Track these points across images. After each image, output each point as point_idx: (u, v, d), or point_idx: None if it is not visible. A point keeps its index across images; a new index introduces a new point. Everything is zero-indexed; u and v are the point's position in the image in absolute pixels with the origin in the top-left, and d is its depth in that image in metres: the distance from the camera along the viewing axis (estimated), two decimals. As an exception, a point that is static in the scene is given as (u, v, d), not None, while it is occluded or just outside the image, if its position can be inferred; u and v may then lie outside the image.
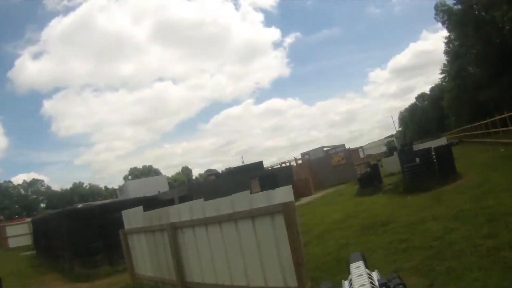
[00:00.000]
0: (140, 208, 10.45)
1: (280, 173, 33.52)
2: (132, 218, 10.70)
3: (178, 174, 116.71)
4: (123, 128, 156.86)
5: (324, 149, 51.17)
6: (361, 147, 56.36)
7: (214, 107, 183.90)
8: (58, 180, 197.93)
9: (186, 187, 28.10)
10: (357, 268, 1.50)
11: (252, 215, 6.63)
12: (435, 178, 16.87)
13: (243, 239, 6.91)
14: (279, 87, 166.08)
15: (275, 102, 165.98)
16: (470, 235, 8.00)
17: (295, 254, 5.93)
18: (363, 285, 1.29)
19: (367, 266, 1.54)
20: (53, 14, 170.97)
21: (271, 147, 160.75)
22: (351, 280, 1.43)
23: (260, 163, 35.86)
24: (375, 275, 1.48)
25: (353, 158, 44.63)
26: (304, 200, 31.03)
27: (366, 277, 1.36)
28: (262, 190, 30.90)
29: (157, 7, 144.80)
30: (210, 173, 50.38)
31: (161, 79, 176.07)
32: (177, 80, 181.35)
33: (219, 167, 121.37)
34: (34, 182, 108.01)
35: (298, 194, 32.58)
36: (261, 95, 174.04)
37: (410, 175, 17.73)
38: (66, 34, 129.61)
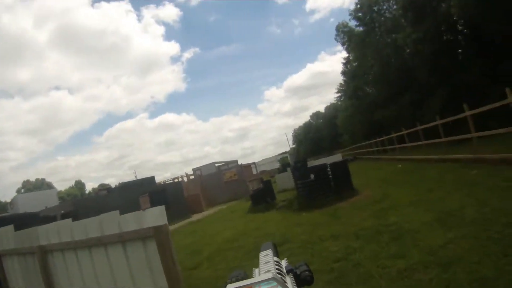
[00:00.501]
0: (11, 227, 9.05)
1: (170, 189, 32.11)
2: (4, 238, 9.25)
3: (71, 188, 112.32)
4: (17, 137, 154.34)
5: (216, 164, 50.07)
6: (254, 163, 55.72)
7: (109, 120, 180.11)
8: None
9: (72, 202, 26.02)
10: (265, 256, 1.62)
11: (122, 239, 5.49)
12: (331, 195, 16.23)
13: (115, 266, 5.72)
14: (174, 102, 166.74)
15: (170, 117, 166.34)
16: (376, 255, 7.09)
17: (171, 283, 4.79)
18: (269, 271, 1.35)
19: (277, 255, 1.71)
20: None
21: (165, 162, 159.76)
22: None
23: (152, 178, 34.27)
24: (283, 262, 1.64)
25: (245, 174, 44.02)
26: (195, 217, 30.04)
27: (272, 264, 1.46)
28: (152, 207, 30.40)
29: (60, 11, 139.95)
30: (102, 187, 48.00)
31: (57, 88, 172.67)
32: (73, 90, 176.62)
33: (113, 181, 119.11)
34: None
35: (189, 211, 31.74)
36: (156, 109, 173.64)
37: (305, 191, 16.98)
38: None
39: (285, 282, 1.29)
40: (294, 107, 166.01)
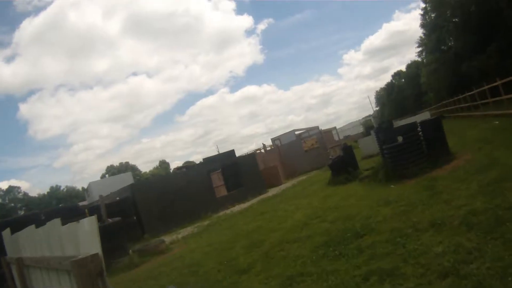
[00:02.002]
0: (7, 231, 7.91)
1: (244, 163, 29.76)
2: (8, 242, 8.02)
3: (155, 168, 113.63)
4: (100, 126, 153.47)
5: (296, 132, 46.77)
6: (335, 128, 52.49)
7: (190, 98, 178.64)
8: (39, 184, 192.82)
9: (129, 187, 24.21)
10: None
11: (50, 266, 4.08)
12: (423, 161, 13.23)
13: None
14: (253, 74, 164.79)
15: (250, 89, 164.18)
16: (508, 268, 4.34)
17: None
18: None
19: None
20: (24, 15, 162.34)
21: (249, 134, 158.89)
22: None
23: (232, 152, 32.18)
24: None
25: (327, 141, 41.25)
26: (272, 191, 27.91)
27: None
28: (226, 184, 28.06)
29: (127, 1, 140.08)
30: (179, 167, 46.46)
31: (135, 74, 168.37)
32: (152, 73, 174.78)
33: (198, 158, 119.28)
34: (11, 189, 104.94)
35: (265, 185, 29.90)
36: (236, 83, 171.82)
37: (392, 158, 13.98)
38: (37, 34, 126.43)
39: None
40: (374, 70, 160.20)
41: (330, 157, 23.78)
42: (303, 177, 31.74)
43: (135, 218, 22.13)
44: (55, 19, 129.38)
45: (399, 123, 22.46)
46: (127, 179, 51.75)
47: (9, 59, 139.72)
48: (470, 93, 33.25)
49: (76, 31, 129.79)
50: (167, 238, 18.13)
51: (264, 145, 45.67)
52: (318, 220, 11.07)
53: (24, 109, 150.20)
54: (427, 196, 9.18)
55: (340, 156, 20.52)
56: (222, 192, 29.49)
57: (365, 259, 6.26)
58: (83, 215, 15.90)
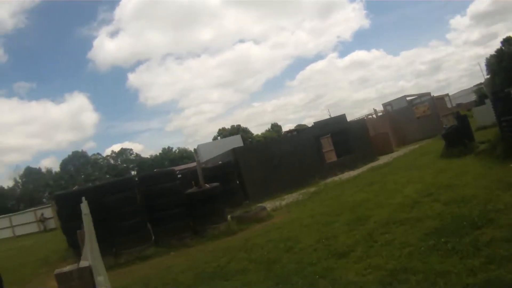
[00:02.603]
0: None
1: (354, 129, 28.68)
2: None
3: (267, 131, 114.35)
4: (210, 91, 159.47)
5: (408, 98, 44.81)
6: (447, 95, 49.66)
7: (299, 64, 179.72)
8: (152, 147, 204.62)
9: (232, 151, 23.78)
10: None
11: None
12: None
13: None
14: (361, 39, 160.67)
15: (359, 54, 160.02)
16: None
17: None
18: None
19: None
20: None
21: (360, 99, 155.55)
22: None
23: (343, 116, 31.19)
24: None
25: (439, 109, 38.97)
26: (382, 159, 26.85)
27: None
28: (336, 149, 27.23)
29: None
30: (289, 130, 45.89)
31: (241, 41, 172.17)
32: (258, 40, 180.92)
33: (310, 121, 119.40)
34: (123, 151, 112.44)
35: (376, 152, 29.10)
36: (344, 48, 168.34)
37: (511, 132, 12.56)
38: (138, 9, 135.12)
39: None
40: (482, 36, 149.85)
41: (444, 126, 22.16)
42: (415, 146, 30.37)
43: (238, 182, 22.08)
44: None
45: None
46: (236, 142, 51.90)
47: (113, 34, 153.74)
48: None
49: (177, 3, 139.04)
50: (269, 205, 17.92)
51: (375, 110, 44.10)
52: (430, 199, 10.13)
53: (133, 78, 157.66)
54: None
55: (455, 126, 19.02)
56: (331, 157, 28.87)
57: (482, 262, 5.36)
58: (175, 180, 15.63)
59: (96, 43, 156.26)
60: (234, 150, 23.45)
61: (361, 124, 30.78)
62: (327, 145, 30.35)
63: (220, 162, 23.73)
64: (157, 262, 12.00)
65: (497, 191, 8.78)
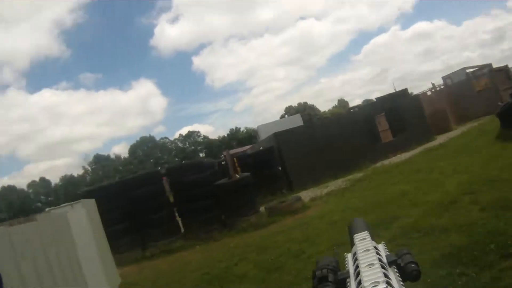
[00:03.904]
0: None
1: (408, 106, 26.81)
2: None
3: (334, 107, 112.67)
4: (276, 69, 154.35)
5: (467, 70, 41.67)
6: (506, 65, 46.19)
7: (362, 38, 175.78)
8: (221, 127, 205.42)
9: (274, 136, 22.61)
10: (363, 241, 1.17)
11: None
12: None
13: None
14: (422, 10, 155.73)
15: (422, 25, 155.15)
16: None
17: None
18: (372, 264, 0.98)
19: (372, 237, 1.19)
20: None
21: (426, 71, 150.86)
22: (355, 254, 1.10)
23: (405, 91, 29.38)
24: (381, 248, 1.14)
25: (500, 82, 36.09)
26: (439, 139, 24.95)
27: (374, 253, 1.05)
28: (391, 128, 25.66)
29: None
30: (351, 107, 44.31)
31: (303, 18, 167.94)
32: (319, 17, 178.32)
33: (377, 95, 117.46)
34: (190, 134, 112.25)
35: (432, 131, 27.16)
36: (406, 20, 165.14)
37: None
38: None
39: (389, 278, 0.91)
40: None
41: (500, 103, 19.95)
42: (474, 123, 28.21)
43: (280, 169, 21.04)
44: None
45: None
46: (296, 121, 50.58)
47: (173, 21, 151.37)
48: None
49: None
50: (310, 193, 17.43)
51: (433, 84, 41.42)
52: (469, 198, 8.76)
53: (198, 61, 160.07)
54: None
55: (510, 104, 16.60)
56: (387, 137, 27.17)
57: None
58: (205, 171, 15.42)
59: (157, 30, 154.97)
60: (276, 135, 22.27)
61: (416, 100, 28.81)
62: (384, 123, 28.59)
63: (261, 148, 22.93)
64: (180, 256, 12.13)
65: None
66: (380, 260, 1.01)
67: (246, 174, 15.06)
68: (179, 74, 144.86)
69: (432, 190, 10.79)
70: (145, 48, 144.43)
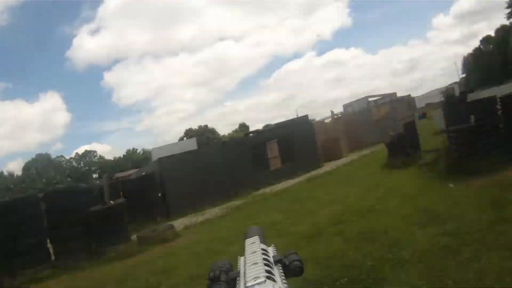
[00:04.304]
0: None
1: (299, 133, 26.63)
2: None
3: (234, 131, 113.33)
4: (185, 90, 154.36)
5: (370, 99, 42.61)
6: (409, 95, 47.96)
7: (276, 62, 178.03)
8: (121, 147, 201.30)
9: (157, 162, 21.96)
10: (252, 244, 1.29)
11: None
12: (501, 153, 9.76)
13: None
14: (341, 38, 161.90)
15: (337, 53, 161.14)
16: None
17: None
18: (256, 263, 1.08)
19: (264, 241, 1.31)
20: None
21: (333, 98, 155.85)
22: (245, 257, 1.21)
23: (305, 117, 29.25)
24: (270, 250, 1.27)
25: (402, 110, 37.01)
26: (327, 167, 25.01)
27: (260, 254, 1.16)
28: (281, 156, 25.34)
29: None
30: (248, 132, 44.17)
31: (222, 39, 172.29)
32: (238, 39, 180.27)
33: (279, 121, 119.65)
34: (86, 153, 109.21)
35: (322, 158, 27.38)
36: (323, 46, 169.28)
37: (458, 144, 10.66)
38: (122, 6, 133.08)
39: (273, 274, 1.02)
40: (463, 35, 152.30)
41: (391, 133, 20.17)
42: (367, 151, 28.58)
43: (159, 195, 20.35)
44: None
45: (481, 94, 18.82)
46: (191, 145, 49.95)
47: (94, 33, 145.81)
48: None
49: (160, 2, 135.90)
50: (188, 221, 17.03)
51: (332, 112, 42.08)
52: (335, 229, 8.55)
53: (108, 77, 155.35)
54: (495, 218, 6.06)
55: (399, 134, 17.11)
56: (276, 164, 26.84)
57: None
58: (80, 197, 14.74)
59: (76, 41, 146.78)
60: (159, 160, 21.45)
61: (309, 128, 28.77)
62: (274, 150, 28.37)
63: (143, 173, 22.37)
64: (45, 286, 11.65)
65: (415, 226, 6.95)
66: (266, 259, 1.10)
67: (120, 200, 14.54)
68: (88, 89, 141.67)
69: (302, 221, 10.62)
70: (60, 59, 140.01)
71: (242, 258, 1.23)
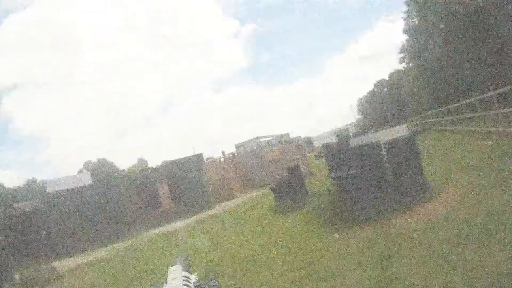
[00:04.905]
0: None
1: (190, 173, 26.22)
2: None
3: (133, 166, 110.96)
4: (86, 122, 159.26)
5: (262, 139, 42.79)
6: (299, 137, 48.89)
7: (178, 99, 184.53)
8: (19, 179, 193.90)
9: (42, 198, 20.77)
10: (174, 271, 1.65)
11: None
12: (386, 199, 9.45)
13: None
14: (241, 75, 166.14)
15: (237, 91, 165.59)
16: None
17: None
18: (176, 287, 1.44)
19: (188, 269, 1.67)
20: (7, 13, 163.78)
21: (234, 136, 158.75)
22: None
23: (200, 156, 28.67)
24: (193, 277, 1.65)
25: (293, 151, 37.39)
26: (219, 208, 24.27)
27: (180, 280, 1.51)
28: (173, 195, 24.52)
29: None
30: (143, 168, 42.89)
31: (123, 72, 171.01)
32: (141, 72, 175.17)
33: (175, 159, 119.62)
34: None
35: (213, 199, 26.79)
36: (221, 84, 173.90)
37: (342, 191, 10.27)
38: (19, 32, 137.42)
39: None
40: (358, 77, 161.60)
41: (277, 176, 19.86)
42: (259, 192, 28.01)
43: (44, 233, 18.89)
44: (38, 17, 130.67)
45: (370, 137, 18.94)
46: (84, 179, 47.91)
47: None
48: (455, 105, 28.26)
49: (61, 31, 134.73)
50: (73, 262, 16.30)
51: (223, 152, 41.67)
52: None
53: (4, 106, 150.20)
54: (379, 273, 5.57)
55: (285, 178, 16.73)
56: (168, 204, 26.00)
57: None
58: None
59: None
60: (46, 196, 20.14)
61: (200, 167, 28.20)
62: (166, 189, 27.61)
63: (27, 209, 20.70)
64: None
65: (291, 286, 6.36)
66: (187, 285, 1.39)
67: (-1, 238, 13.42)
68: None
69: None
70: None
71: (166, 285, 1.46)
